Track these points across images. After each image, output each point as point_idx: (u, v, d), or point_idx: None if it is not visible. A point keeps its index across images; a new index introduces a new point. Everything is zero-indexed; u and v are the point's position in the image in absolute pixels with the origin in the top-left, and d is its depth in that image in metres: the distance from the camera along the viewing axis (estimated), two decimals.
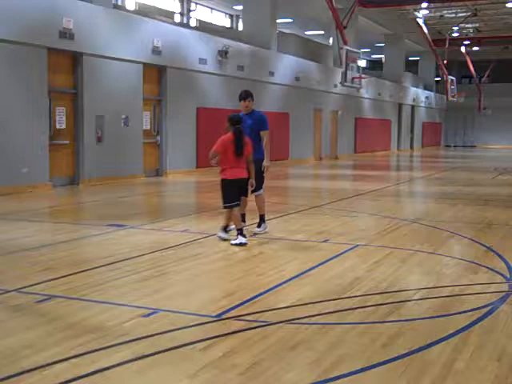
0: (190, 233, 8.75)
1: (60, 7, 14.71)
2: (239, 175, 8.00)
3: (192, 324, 4.74)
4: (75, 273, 6.32)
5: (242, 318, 4.91)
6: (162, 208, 12.76)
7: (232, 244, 7.82)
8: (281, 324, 4.76)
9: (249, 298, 5.46)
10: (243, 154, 7.98)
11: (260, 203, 8.74)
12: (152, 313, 5.00)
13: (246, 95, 8.61)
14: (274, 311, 5.11)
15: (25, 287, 5.72)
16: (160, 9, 30.32)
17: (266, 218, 8.90)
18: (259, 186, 8.54)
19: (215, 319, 4.87)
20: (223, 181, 8.05)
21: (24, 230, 8.99)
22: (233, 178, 7.95)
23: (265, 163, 8.59)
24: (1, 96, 13.37)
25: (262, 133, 8.60)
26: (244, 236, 7.88)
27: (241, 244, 7.76)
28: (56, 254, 7.38)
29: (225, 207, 8.05)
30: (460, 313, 5.03)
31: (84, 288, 5.76)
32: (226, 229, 8.18)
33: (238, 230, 7.91)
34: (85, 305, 5.26)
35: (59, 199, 13.44)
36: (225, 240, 8.04)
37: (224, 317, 4.93)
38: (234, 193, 7.98)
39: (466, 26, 40.75)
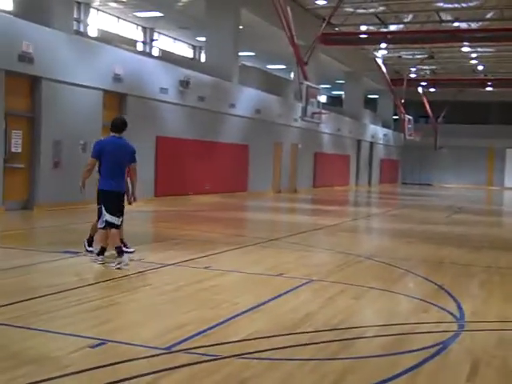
0: (143, 262, 8.62)
1: (20, 31, 14.58)
2: None
3: (140, 356, 4.63)
4: (22, 300, 6.14)
5: (193, 350, 4.83)
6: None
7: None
8: (231, 358, 4.69)
9: (201, 330, 5.37)
10: None
11: None
12: (99, 344, 4.88)
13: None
14: (226, 345, 5.04)
15: None
16: (123, 37, 30.36)
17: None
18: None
19: (164, 352, 4.78)
20: None
21: None
22: None
23: None
24: None
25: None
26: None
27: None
28: (3, 280, 7.18)
29: None
30: (410, 351, 5.04)
31: (29, 316, 5.60)
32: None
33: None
34: (30, 334, 5.11)
35: (11, 224, 13.14)
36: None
37: (174, 349, 4.83)
38: None
39: (423, 67, 41.92)
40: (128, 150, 8.49)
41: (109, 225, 8.27)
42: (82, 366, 4.34)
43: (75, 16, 25.23)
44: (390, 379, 4.36)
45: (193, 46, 37.12)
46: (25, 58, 14.57)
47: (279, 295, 6.95)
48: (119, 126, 8.49)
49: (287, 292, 7.15)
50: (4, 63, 14.10)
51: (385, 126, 48.18)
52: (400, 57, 39.49)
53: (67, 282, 7.09)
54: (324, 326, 5.71)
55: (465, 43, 31.81)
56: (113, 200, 8.35)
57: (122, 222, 8.52)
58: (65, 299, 6.27)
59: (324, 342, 5.25)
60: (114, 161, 8.29)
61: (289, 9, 21.82)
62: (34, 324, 5.36)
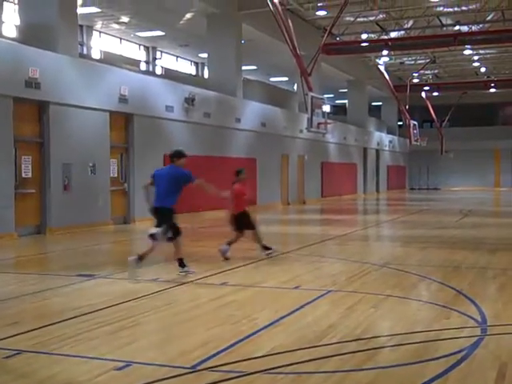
0: (160, 281, 8.65)
1: (26, 57, 14.73)
2: None
3: (166, 376, 4.65)
4: (44, 326, 6.18)
5: (218, 368, 4.84)
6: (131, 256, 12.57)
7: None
8: (257, 374, 4.70)
9: (223, 347, 5.39)
10: None
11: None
12: (125, 366, 4.90)
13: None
14: (250, 361, 5.04)
15: None
16: (126, 57, 30.56)
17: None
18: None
19: (190, 371, 4.79)
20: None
21: None
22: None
23: None
24: None
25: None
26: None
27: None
28: (23, 306, 7.22)
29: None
30: (435, 359, 5.03)
31: (53, 342, 5.62)
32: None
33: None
34: (55, 359, 5.13)
35: (25, 249, 13.20)
36: None
37: (199, 368, 4.85)
38: None
39: (426, 72, 41.95)
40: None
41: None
42: None
43: (78, 39, 25.41)
44: None
45: (195, 62, 37.32)
46: (31, 83, 14.70)
47: (298, 308, 6.95)
48: (171, 155, 9.46)
49: (306, 304, 7.16)
50: (11, 90, 14.23)
51: (390, 132, 48.20)
52: (402, 63, 39.58)
53: (87, 304, 7.13)
54: (347, 337, 5.71)
55: (466, 46, 31.87)
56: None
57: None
58: (87, 322, 6.30)
59: (348, 353, 5.25)
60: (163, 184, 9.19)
61: (290, 21, 21.92)
62: (59, 349, 5.38)
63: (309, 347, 5.41)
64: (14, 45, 15.35)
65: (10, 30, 22.75)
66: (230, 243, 10.76)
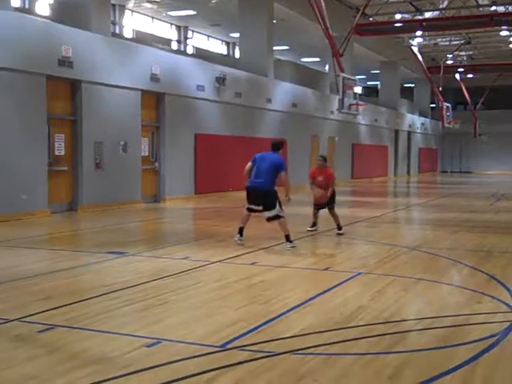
0: (190, 260, 8.70)
1: (59, 35, 14.81)
2: None
3: (196, 354, 4.69)
4: (76, 302, 6.27)
5: (247, 348, 4.86)
6: (161, 235, 12.71)
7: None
8: (286, 355, 4.71)
9: (252, 327, 5.41)
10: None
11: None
12: (155, 343, 4.95)
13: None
14: (279, 341, 5.05)
15: (26, 316, 5.67)
16: (157, 36, 30.60)
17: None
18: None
19: (219, 349, 4.82)
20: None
21: (23, 258, 8.93)
22: None
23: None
24: (1, 122, 13.39)
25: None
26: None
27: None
28: (56, 282, 7.33)
29: None
30: (466, 343, 4.99)
31: (85, 317, 5.70)
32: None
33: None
34: (86, 335, 5.20)
35: (58, 226, 13.39)
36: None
37: (228, 347, 4.87)
38: None
39: (460, 53, 41.22)
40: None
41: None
42: (141, 365, 4.41)
43: (111, 18, 25.47)
44: (449, 372, 4.33)
45: (226, 42, 37.21)
46: (64, 62, 14.80)
47: (328, 289, 6.94)
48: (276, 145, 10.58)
49: (336, 286, 7.14)
50: (45, 68, 14.35)
51: (422, 114, 47.57)
52: (436, 44, 38.93)
53: (118, 281, 7.21)
54: (376, 320, 5.69)
55: (503, 27, 31.18)
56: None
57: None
58: (117, 299, 6.37)
59: (377, 335, 5.23)
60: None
61: (322, 1, 21.68)
62: (90, 325, 5.45)
63: (338, 328, 5.41)
64: (48, 23, 15.47)
65: (44, 9, 22.91)
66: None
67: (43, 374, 4.24)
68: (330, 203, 11.83)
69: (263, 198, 9.97)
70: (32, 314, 5.74)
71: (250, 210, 10.11)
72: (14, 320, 5.56)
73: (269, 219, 10.04)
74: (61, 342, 5.01)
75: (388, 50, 37.53)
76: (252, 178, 10.06)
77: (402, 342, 5.09)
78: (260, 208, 10.00)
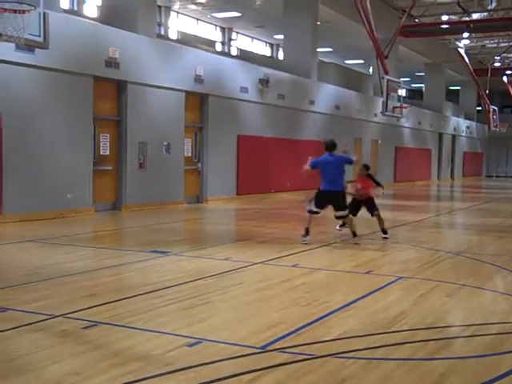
0: (232, 261, 8.74)
1: (107, 37, 15.06)
2: None
3: (236, 355, 4.70)
4: (119, 300, 6.36)
5: (287, 350, 4.85)
6: (203, 235, 12.80)
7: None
8: (327, 358, 4.69)
9: (293, 329, 5.40)
10: None
11: None
12: (196, 342, 4.98)
13: None
14: (319, 344, 5.04)
15: (70, 313, 5.77)
16: (202, 38, 30.81)
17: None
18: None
19: (260, 351, 4.82)
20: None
21: (68, 255, 9.10)
22: None
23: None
24: (48, 122, 13.67)
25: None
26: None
27: None
28: (100, 279, 7.44)
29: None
30: None
31: (128, 315, 5.77)
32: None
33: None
34: (129, 332, 5.27)
35: (102, 224, 13.60)
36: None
37: (269, 348, 4.88)
38: None
39: (509, 55, 40.36)
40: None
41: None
42: (183, 364, 4.45)
43: (157, 20, 25.78)
44: (495, 380, 4.25)
45: (270, 44, 37.24)
46: (111, 63, 15.03)
47: (369, 293, 6.89)
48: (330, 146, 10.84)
49: (377, 290, 7.08)
50: (92, 69, 14.61)
51: (468, 117, 46.80)
52: (484, 46, 38.18)
53: (161, 280, 7.29)
54: (419, 325, 5.62)
55: None
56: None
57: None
58: (160, 298, 6.44)
59: (420, 341, 5.17)
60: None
61: (367, 2, 21.53)
62: (133, 323, 5.52)
63: (380, 333, 5.36)
64: (96, 25, 15.75)
65: (92, 11, 23.31)
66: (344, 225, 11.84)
67: (87, 370, 4.31)
68: (371, 208, 11.73)
69: (337, 200, 10.64)
70: (77, 311, 5.84)
71: (313, 212, 10.71)
72: (59, 316, 5.67)
73: (340, 217, 11.04)
74: (104, 338, 5.08)
75: (433, 52, 37.02)
76: (325, 183, 10.58)
77: (447, 348, 5.02)
78: (321, 211, 10.79)
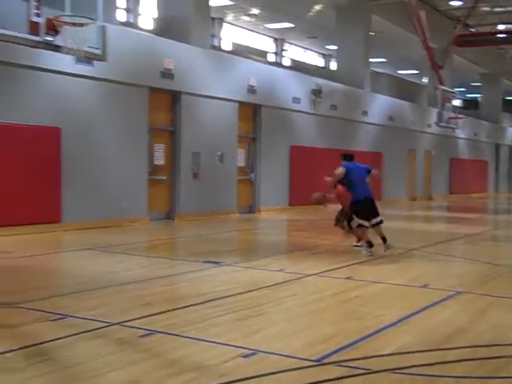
0: (285, 272, 8.73)
1: (162, 49, 15.32)
2: None
3: (292, 367, 4.67)
4: (174, 309, 6.43)
5: (344, 363, 4.81)
6: (257, 245, 12.83)
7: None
8: (384, 373, 4.63)
9: (348, 342, 5.34)
10: None
11: None
12: (251, 354, 4.98)
13: None
14: (376, 358, 4.97)
15: (127, 321, 5.85)
16: (254, 49, 30.98)
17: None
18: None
19: (315, 364, 4.79)
20: None
21: (124, 264, 9.25)
22: None
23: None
24: (105, 132, 13.97)
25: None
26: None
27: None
28: (154, 289, 7.52)
29: None
30: None
31: (183, 325, 5.82)
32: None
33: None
34: (185, 342, 5.31)
35: (156, 234, 13.78)
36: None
37: (324, 362, 4.84)
38: None
39: None
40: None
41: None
42: (238, 375, 4.45)
43: (210, 31, 26.09)
44: None
45: (323, 54, 37.19)
46: (166, 74, 15.28)
47: (425, 307, 6.76)
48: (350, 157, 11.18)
49: (434, 304, 6.95)
50: (148, 80, 14.88)
51: None
52: None
53: (215, 291, 7.33)
54: (478, 342, 5.48)
55: None
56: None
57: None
58: (215, 308, 6.48)
59: (480, 358, 5.04)
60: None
61: (422, 12, 21.31)
62: (188, 332, 5.56)
63: (436, 349, 5.25)
64: (152, 37, 16.04)
65: (147, 23, 23.73)
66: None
67: (145, 379, 4.36)
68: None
69: (374, 205, 10.62)
70: (133, 319, 5.92)
71: (362, 226, 10.46)
72: (116, 324, 5.76)
73: (378, 224, 10.52)
74: (161, 347, 5.14)
75: (489, 62, 36.32)
76: (360, 189, 10.47)
77: (508, 367, 4.88)
78: (369, 224, 10.49)
